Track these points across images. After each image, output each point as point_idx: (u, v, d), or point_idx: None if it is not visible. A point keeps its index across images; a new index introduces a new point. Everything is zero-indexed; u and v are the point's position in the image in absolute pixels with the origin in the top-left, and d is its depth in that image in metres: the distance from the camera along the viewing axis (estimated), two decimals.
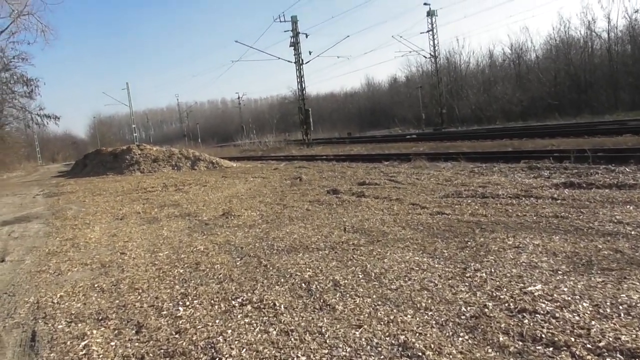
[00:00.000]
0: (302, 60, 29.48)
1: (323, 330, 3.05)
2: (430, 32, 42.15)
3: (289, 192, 10.03)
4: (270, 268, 4.52)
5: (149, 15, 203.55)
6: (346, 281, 3.94)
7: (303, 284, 3.97)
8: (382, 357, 2.65)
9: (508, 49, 47.85)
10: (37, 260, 5.73)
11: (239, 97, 74.83)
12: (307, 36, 28.73)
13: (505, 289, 3.45)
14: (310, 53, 29.05)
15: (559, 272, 3.69)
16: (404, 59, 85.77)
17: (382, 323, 3.08)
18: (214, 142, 63.20)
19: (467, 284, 3.64)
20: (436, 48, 42.89)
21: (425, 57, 44.08)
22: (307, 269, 4.36)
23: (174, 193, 11.73)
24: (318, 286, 3.89)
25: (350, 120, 64.52)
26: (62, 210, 10.06)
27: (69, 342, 3.24)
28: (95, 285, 4.45)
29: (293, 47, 29.17)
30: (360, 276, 4.04)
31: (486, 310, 3.11)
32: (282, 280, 4.14)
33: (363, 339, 2.87)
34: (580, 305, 3.04)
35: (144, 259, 5.34)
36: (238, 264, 4.81)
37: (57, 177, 25.03)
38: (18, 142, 43.29)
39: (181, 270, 4.73)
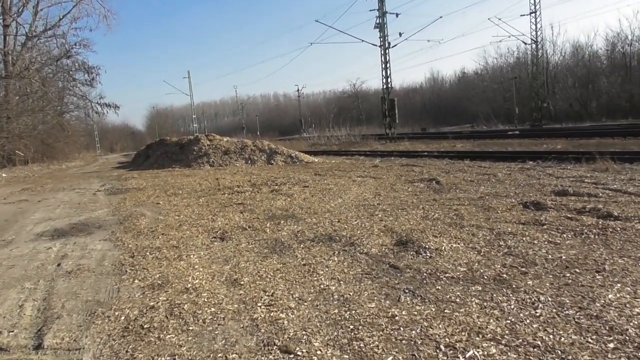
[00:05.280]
0: (389, 43, 25.82)
1: None
2: (533, 14, 36.29)
3: (450, 202, 6.85)
4: None
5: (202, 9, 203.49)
6: None
7: None
8: None
9: (613, 37, 41.42)
10: (106, 355, 2.73)
11: (298, 90, 71.85)
12: (397, 15, 25.18)
13: None
14: (400, 34, 25.25)
15: None
16: (478, 50, 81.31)
17: None
18: (273, 135, 60.68)
19: None
20: (539, 32, 36.88)
21: (525, 43, 37.90)
22: None
23: (271, 196, 8.76)
24: None
25: (413, 117, 60.29)
26: (133, 218, 7.26)
27: None
28: None
29: (378, 29, 25.53)
30: None
31: None
32: None
33: None
34: None
35: None
36: None
37: (118, 169, 22.83)
38: (78, 131, 42.01)
39: None
